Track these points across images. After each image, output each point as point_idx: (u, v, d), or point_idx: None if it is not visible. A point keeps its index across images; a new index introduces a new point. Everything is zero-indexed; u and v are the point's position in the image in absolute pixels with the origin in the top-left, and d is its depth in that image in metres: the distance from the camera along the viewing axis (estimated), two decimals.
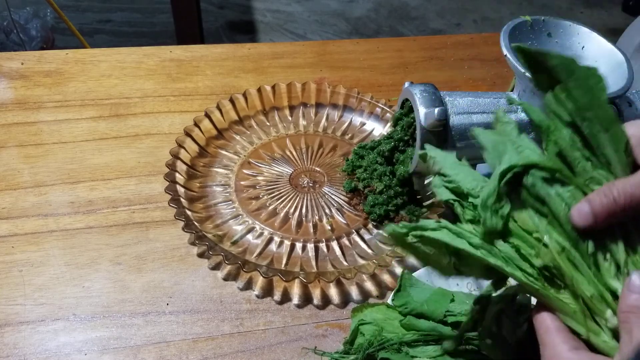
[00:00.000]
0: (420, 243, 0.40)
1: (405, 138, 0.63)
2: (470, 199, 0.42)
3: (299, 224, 0.65)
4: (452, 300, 0.52)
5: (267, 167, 0.71)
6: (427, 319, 0.51)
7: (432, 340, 0.50)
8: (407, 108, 0.62)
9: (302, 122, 0.77)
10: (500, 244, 0.39)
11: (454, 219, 0.66)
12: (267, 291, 0.58)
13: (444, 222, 0.41)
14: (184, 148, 0.68)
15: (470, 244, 0.39)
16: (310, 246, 0.62)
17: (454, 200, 0.43)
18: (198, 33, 1.82)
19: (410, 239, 0.40)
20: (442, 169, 0.44)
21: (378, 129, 0.76)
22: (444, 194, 0.43)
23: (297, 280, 0.57)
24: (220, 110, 0.73)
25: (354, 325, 0.52)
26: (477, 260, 0.39)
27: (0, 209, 0.64)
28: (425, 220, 0.40)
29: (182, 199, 0.62)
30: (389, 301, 0.54)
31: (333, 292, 0.59)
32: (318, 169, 0.71)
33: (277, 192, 0.68)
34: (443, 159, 0.44)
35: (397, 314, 0.52)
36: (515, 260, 0.39)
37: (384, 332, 0.51)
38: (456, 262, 0.40)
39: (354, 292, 0.59)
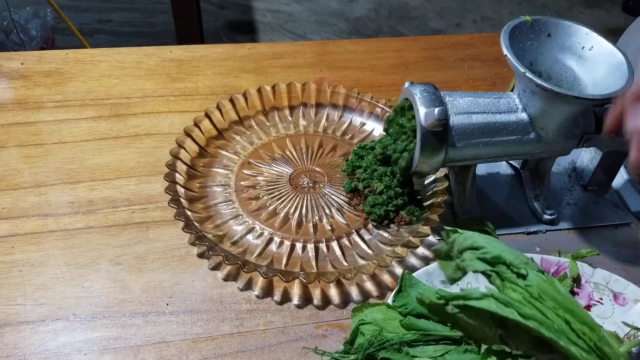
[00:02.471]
0: (462, 313, 0.39)
1: (394, 146, 0.63)
2: (515, 269, 0.41)
3: (299, 224, 0.65)
4: None
5: (267, 167, 0.71)
6: (427, 319, 0.52)
7: (432, 340, 0.50)
8: (394, 118, 0.63)
9: (302, 122, 0.77)
10: (551, 314, 0.38)
11: (455, 219, 0.67)
12: (267, 291, 0.58)
13: (490, 290, 0.39)
14: (184, 148, 0.68)
15: (520, 314, 0.38)
16: (310, 246, 0.62)
17: (492, 271, 0.42)
18: (198, 33, 1.82)
19: (450, 309, 0.39)
20: (475, 244, 0.43)
21: (378, 129, 0.76)
22: (479, 266, 0.42)
23: (297, 281, 0.57)
24: (220, 110, 0.73)
25: (354, 325, 0.52)
26: (527, 331, 0.37)
27: (0, 209, 0.64)
28: (469, 289, 0.39)
29: (182, 199, 0.62)
30: (389, 301, 0.54)
31: (333, 293, 0.59)
32: (318, 169, 0.71)
33: (277, 193, 0.68)
34: (473, 235, 0.44)
35: (397, 314, 0.52)
36: (568, 333, 0.37)
37: (384, 332, 0.51)
38: (503, 334, 0.39)
39: (354, 293, 0.59)
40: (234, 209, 0.65)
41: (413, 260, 0.62)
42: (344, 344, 0.52)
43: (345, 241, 0.63)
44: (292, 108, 0.78)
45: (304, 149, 0.74)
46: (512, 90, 0.63)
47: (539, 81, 0.55)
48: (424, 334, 0.50)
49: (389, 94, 0.84)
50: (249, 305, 0.57)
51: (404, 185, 0.64)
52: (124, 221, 0.64)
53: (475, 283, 0.58)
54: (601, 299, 0.58)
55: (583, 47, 0.61)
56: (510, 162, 0.73)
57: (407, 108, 0.61)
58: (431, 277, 0.57)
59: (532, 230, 0.67)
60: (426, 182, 0.66)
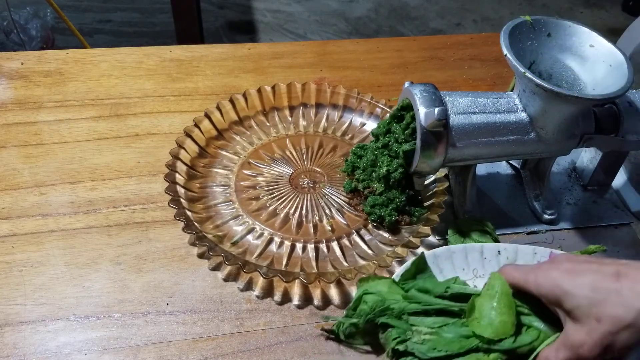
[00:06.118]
0: None
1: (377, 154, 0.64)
2: None
3: (299, 224, 0.65)
4: (455, 282, 0.54)
5: (267, 167, 0.71)
6: (427, 293, 0.52)
7: (433, 312, 0.51)
8: (383, 128, 0.63)
9: (302, 122, 0.77)
10: None
11: (455, 219, 0.67)
12: (268, 291, 0.58)
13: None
14: (183, 148, 0.68)
15: None
16: (310, 247, 0.62)
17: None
18: (198, 33, 1.82)
19: None
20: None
21: None
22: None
23: (297, 281, 0.57)
24: (220, 110, 0.73)
25: (359, 294, 0.53)
26: None
27: (0, 209, 0.64)
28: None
29: (182, 200, 0.62)
30: (395, 277, 0.55)
31: (333, 293, 0.59)
32: (318, 169, 0.71)
33: (277, 193, 0.68)
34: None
35: (401, 290, 0.53)
36: None
37: (386, 303, 0.52)
38: None
39: (354, 293, 0.59)
40: (234, 209, 0.65)
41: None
42: (346, 309, 0.54)
43: (345, 241, 0.63)
44: (292, 108, 0.78)
45: (304, 149, 0.74)
46: (512, 90, 0.63)
47: (539, 81, 0.55)
48: (425, 304, 0.51)
49: (389, 94, 0.84)
50: (249, 305, 0.57)
51: (404, 187, 0.64)
52: (124, 221, 0.64)
53: (481, 270, 0.58)
54: None
55: (583, 47, 0.61)
56: (510, 162, 0.73)
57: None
58: (437, 260, 0.57)
59: (532, 230, 0.67)
60: (426, 182, 0.66)
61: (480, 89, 0.84)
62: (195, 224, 0.60)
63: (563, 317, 0.45)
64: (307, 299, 0.58)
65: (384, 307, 0.51)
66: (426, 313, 0.51)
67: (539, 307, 0.49)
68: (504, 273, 0.50)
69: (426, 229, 0.61)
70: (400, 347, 0.50)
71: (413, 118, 0.60)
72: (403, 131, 0.61)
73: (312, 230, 0.64)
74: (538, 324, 0.49)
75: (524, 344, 0.48)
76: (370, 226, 0.65)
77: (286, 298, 0.58)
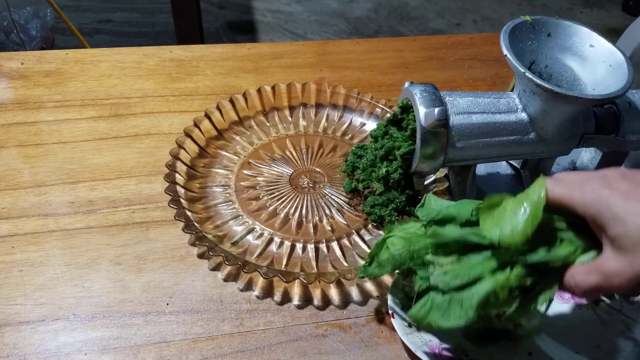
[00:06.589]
0: None
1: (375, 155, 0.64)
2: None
3: (299, 224, 0.65)
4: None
5: (267, 167, 0.71)
6: (452, 222, 0.47)
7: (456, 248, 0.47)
8: (381, 131, 0.63)
9: (302, 122, 0.77)
10: None
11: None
12: (268, 292, 0.58)
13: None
14: (183, 149, 0.68)
15: None
16: (310, 247, 0.62)
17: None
18: (198, 33, 1.82)
19: None
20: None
21: None
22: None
23: (297, 281, 0.57)
24: (220, 110, 0.73)
25: (382, 239, 0.52)
26: None
27: (0, 209, 0.64)
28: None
29: (182, 200, 0.62)
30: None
31: (333, 293, 0.59)
32: (318, 169, 0.71)
33: (277, 193, 0.68)
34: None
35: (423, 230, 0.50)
36: None
37: (411, 247, 0.49)
38: None
39: (354, 293, 0.59)
40: (234, 210, 0.65)
41: None
42: (369, 255, 0.53)
43: (345, 241, 0.63)
44: (292, 108, 0.78)
45: (304, 149, 0.74)
46: (512, 90, 0.63)
47: (539, 81, 0.55)
48: (451, 240, 0.46)
49: (389, 94, 0.84)
50: (249, 305, 0.57)
51: (404, 187, 0.64)
52: (124, 221, 0.64)
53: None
54: None
55: (583, 47, 0.61)
56: (510, 162, 0.73)
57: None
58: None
59: None
60: (426, 182, 0.66)
61: (480, 89, 0.84)
62: (195, 224, 0.60)
63: (605, 242, 0.40)
64: (307, 299, 0.58)
65: (411, 252, 0.48)
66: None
67: (580, 223, 0.43)
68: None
69: None
70: (424, 284, 0.46)
71: (411, 121, 0.60)
72: (402, 134, 0.61)
73: (312, 231, 0.64)
74: (576, 239, 0.43)
75: (557, 257, 0.43)
76: (370, 226, 0.65)
77: (286, 298, 0.58)
